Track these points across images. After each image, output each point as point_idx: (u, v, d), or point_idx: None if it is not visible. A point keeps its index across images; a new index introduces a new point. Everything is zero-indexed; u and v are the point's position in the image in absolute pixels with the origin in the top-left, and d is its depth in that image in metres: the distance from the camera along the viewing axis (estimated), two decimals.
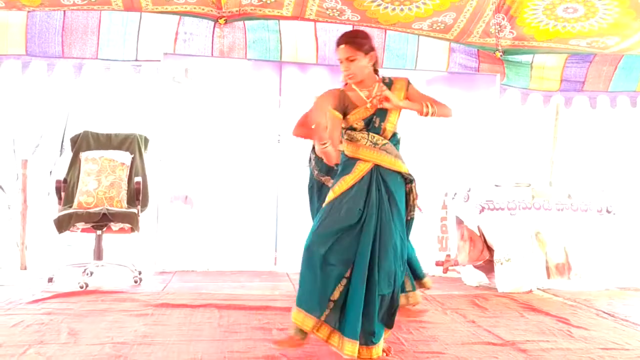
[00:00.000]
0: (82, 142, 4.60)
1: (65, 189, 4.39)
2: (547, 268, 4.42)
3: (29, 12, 4.74)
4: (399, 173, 2.64)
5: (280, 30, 5.17)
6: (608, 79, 5.69)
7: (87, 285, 3.95)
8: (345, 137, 2.69)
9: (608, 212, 4.55)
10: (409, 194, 2.67)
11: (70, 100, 6.17)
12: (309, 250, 2.50)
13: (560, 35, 5.02)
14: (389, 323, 2.58)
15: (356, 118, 2.65)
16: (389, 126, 2.65)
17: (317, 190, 2.93)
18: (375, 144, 2.63)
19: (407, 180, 2.66)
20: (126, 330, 2.95)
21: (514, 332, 3.13)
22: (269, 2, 4.72)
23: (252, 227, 4.98)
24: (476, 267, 4.55)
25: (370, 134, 2.64)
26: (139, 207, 4.29)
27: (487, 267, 4.46)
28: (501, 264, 4.27)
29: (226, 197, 4.96)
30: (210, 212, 4.94)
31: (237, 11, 4.88)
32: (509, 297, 4.06)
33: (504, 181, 4.81)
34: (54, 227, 4.00)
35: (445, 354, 2.70)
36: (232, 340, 2.83)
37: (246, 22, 5.10)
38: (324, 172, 2.90)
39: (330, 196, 2.60)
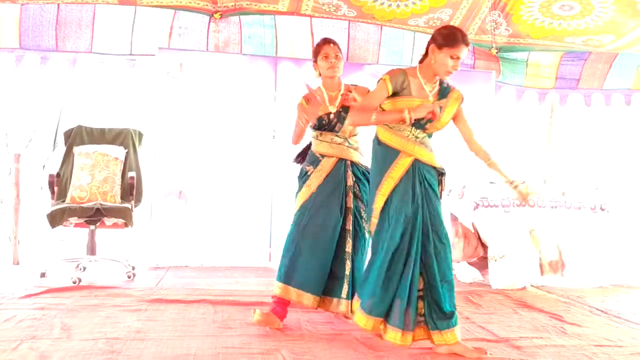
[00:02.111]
0: (75, 137, 4.58)
1: (59, 184, 4.36)
2: (541, 265, 4.43)
3: (22, 5, 4.70)
4: (434, 167, 2.72)
5: (275, 26, 5.15)
6: (603, 76, 5.71)
7: (80, 281, 3.93)
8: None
9: (602, 209, 4.57)
10: (438, 186, 2.78)
11: (63, 94, 6.13)
12: (387, 270, 2.58)
13: (556, 32, 5.03)
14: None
15: (407, 105, 2.62)
16: (437, 124, 2.69)
17: (301, 176, 3.10)
18: (417, 137, 2.68)
19: (439, 173, 2.76)
20: (119, 325, 2.94)
21: (507, 328, 3.15)
22: None
23: (247, 223, 4.97)
24: (470, 263, 4.56)
25: (414, 127, 2.66)
26: (132, 202, 4.27)
27: (481, 263, 4.48)
28: (495, 260, 4.28)
29: (221, 192, 4.94)
30: (204, 207, 4.92)
31: (232, 6, 4.86)
32: (502, 293, 4.07)
33: (498, 178, 4.80)
34: (46, 221, 3.98)
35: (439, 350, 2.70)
36: (226, 336, 2.82)
37: (242, 17, 5.08)
38: (309, 162, 3.09)
39: (380, 200, 2.64)
